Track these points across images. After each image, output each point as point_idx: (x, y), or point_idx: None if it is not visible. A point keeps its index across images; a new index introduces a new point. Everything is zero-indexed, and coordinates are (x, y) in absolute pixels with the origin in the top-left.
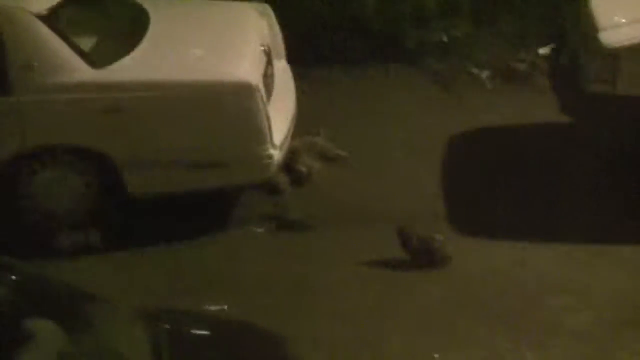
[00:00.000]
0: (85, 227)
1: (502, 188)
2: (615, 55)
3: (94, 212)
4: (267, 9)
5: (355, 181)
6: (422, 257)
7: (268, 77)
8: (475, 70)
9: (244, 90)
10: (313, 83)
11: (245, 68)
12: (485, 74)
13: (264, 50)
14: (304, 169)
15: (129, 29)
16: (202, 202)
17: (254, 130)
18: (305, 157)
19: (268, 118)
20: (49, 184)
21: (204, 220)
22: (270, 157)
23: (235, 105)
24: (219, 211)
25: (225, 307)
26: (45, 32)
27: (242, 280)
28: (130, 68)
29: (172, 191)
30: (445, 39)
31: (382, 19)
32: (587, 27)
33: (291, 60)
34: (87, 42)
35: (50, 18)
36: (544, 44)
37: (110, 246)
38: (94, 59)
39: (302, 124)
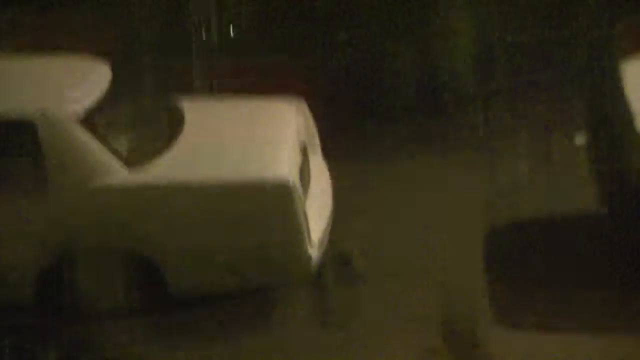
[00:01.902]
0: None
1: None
2: None
3: (135, 308)
4: (303, 105)
5: (393, 273)
6: (453, 346)
7: (304, 174)
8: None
9: (281, 189)
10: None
11: (282, 166)
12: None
13: (301, 147)
14: (341, 262)
15: (165, 127)
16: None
17: (292, 229)
18: (342, 251)
19: (306, 216)
20: (92, 281)
21: (241, 315)
22: (308, 257)
23: (273, 204)
24: (258, 308)
25: None
26: (80, 133)
27: None
28: (166, 168)
29: (210, 291)
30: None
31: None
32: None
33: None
34: (122, 142)
35: (86, 118)
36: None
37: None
38: (129, 160)
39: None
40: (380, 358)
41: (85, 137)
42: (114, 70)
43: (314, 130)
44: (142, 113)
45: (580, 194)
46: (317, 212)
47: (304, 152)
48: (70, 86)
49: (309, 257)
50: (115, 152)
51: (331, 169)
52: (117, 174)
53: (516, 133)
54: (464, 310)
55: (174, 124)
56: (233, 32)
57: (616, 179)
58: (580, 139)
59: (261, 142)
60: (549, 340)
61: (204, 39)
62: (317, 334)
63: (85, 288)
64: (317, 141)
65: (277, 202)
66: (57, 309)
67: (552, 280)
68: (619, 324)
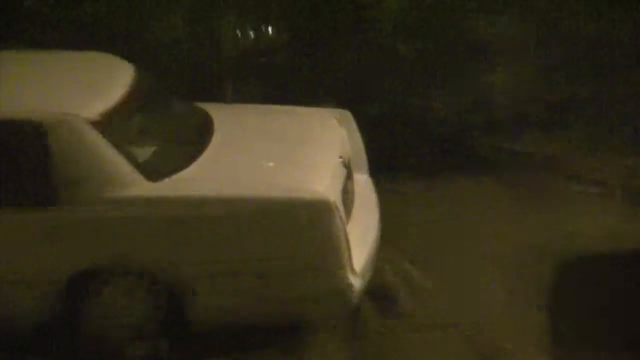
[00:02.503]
0: (154, 337)
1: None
2: None
3: (153, 339)
4: (348, 115)
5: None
6: None
7: (348, 193)
8: (575, 186)
9: (320, 208)
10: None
11: (321, 182)
12: (584, 188)
13: (343, 162)
14: (388, 297)
15: (191, 137)
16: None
17: (331, 254)
18: (388, 283)
19: (347, 240)
20: (106, 306)
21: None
22: (350, 286)
23: (310, 225)
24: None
25: None
26: (97, 140)
27: None
28: (191, 182)
29: (234, 323)
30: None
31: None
32: None
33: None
34: (143, 152)
35: (103, 124)
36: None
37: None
38: (151, 171)
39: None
40: None
41: (101, 144)
42: (139, 70)
43: (360, 144)
44: (166, 119)
45: None
46: (361, 236)
47: (348, 168)
48: (87, 85)
49: (350, 286)
50: (135, 162)
51: (380, 189)
52: (137, 186)
53: None
54: None
55: (203, 133)
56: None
57: None
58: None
59: (299, 155)
60: None
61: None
62: None
63: (97, 314)
64: (364, 156)
65: (314, 222)
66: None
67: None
68: None
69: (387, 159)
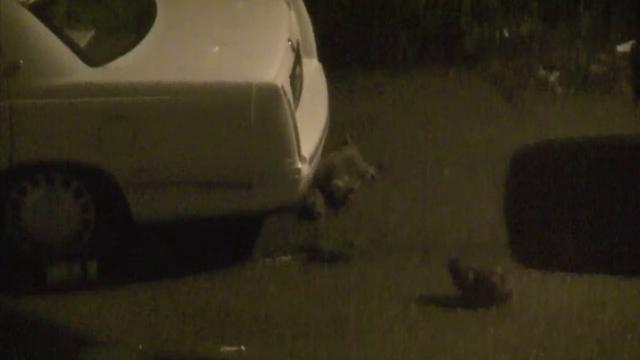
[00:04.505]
0: (83, 257)
1: (575, 214)
2: None
3: (92, 239)
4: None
5: (401, 204)
6: (478, 294)
7: (296, 78)
8: (543, 73)
9: (267, 93)
10: (353, 88)
11: (269, 67)
12: (554, 77)
13: (292, 47)
14: (341, 187)
15: (133, 20)
16: (220, 227)
17: (279, 140)
18: (344, 174)
19: (295, 126)
20: (40, 207)
21: (221, 249)
22: (297, 172)
23: (257, 110)
24: (239, 238)
25: (243, 347)
26: (34, 24)
27: (267, 320)
28: (133, 67)
29: (183, 218)
30: (506, 34)
31: (436, 16)
32: None
33: (327, 62)
34: (83, 37)
35: (40, 8)
36: (623, 41)
37: (111, 279)
38: (91, 56)
39: (337, 135)
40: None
41: (38, 28)
42: None
43: (309, 28)
44: (105, 3)
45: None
46: (310, 122)
47: (296, 52)
48: None
49: (298, 173)
50: (73, 47)
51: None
52: (76, 72)
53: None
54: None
55: (145, 17)
56: None
57: None
58: (623, 47)
59: (246, 39)
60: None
61: None
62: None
63: (34, 210)
64: (312, 40)
65: (262, 108)
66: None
67: (582, 212)
68: None
69: (362, 51)
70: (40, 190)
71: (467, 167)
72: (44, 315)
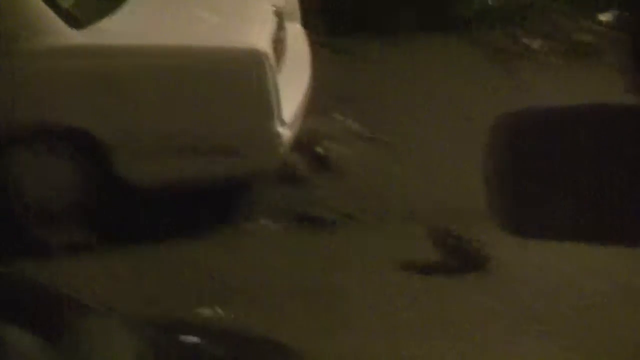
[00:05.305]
0: (79, 223)
1: (562, 181)
2: None
3: (87, 205)
4: None
5: (387, 170)
6: (457, 258)
7: (279, 42)
8: (526, 41)
9: (250, 58)
10: (340, 54)
11: (251, 31)
12: (538, 45)
13: (275, 11)
14: (322, 153)
15: None
16: (207, 193)
17: (260, 103)
18: (326, 140)
19: (277, 90)
20: (34, 173)
21: (207, 214)
22: (278, 135)
23: (239, 74)
24: (225, 203)
25: (219, 310)
26: None
27: (251, 286)
28: (117, 29)
29: (169, 183)
30: (490, 2)
31: None
32: None
33: (313, 27)
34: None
35: None
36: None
37: (106, 244)
38: (75, 18)
39: (324, 102)
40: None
41: None
42: None
43: None
44: None
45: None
46: (291, 86)
47: (279, 18)
48: None
49: (278, 136)
50: (56, 9)
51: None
52: (59, 34)
53: None
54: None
55: None
56: None
57: None
58: (605, 16)
59: (229, 4)
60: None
61: None
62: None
63: (30, 176)
64: (296, 5)
65: (243, 72)
66: None
67: (565, 182)
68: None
69: (348, 18)
70: (33, 155)
71: (453, 132)
72: (43, 281)
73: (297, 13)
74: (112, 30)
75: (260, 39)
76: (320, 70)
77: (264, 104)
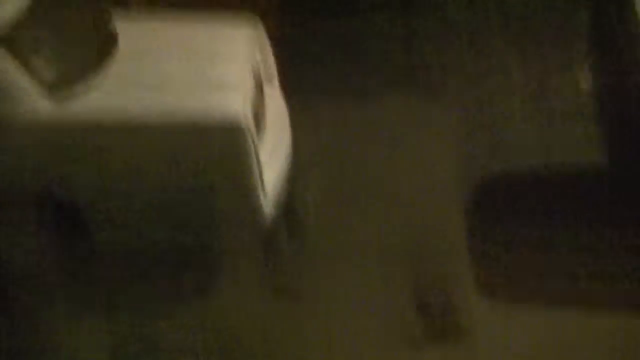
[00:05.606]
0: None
1: (538, 244)
2: None
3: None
4: (258, 24)
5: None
6: (443, 326)
7: (259, 110)
8: None
9: (231, 131)
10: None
11: (233, 102)
12: None
13: (255, 78)
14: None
15: (94, 50)
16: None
17: (242, 177)
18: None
19: (259, 162)
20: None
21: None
22: (260, 208)
23: (220, 147)
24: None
25: None
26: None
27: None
28: (95, 100)
29: (143, 247)
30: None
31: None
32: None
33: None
34: (44, 66)
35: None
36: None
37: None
38: (53, 87)
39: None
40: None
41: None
42: None
43: (270, 57)
44: (68, 32)
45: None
46: (272, 156)
47: (259, 85)
48: None
49: (261, 210)
50: (37, 78)
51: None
52: (39, 103)
53: None
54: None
55: (106, 46)
56: None
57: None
58: (584, 82)
59: (209, 72)
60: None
61: None
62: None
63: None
64: (273, 71)
65: (225, 145)
66: None
67: (539, 241)
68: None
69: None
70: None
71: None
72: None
73: (275, 73)
74: (88, 102)
75: (241, 110)
76: None
77: (245, 177)
